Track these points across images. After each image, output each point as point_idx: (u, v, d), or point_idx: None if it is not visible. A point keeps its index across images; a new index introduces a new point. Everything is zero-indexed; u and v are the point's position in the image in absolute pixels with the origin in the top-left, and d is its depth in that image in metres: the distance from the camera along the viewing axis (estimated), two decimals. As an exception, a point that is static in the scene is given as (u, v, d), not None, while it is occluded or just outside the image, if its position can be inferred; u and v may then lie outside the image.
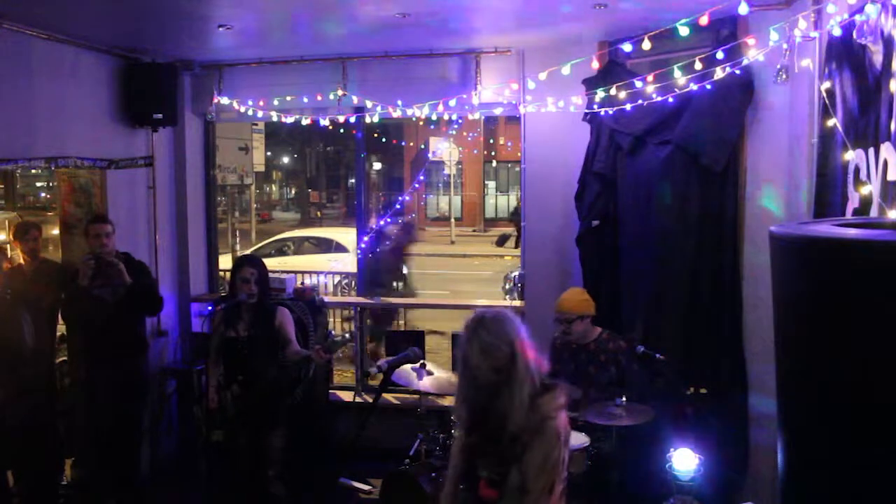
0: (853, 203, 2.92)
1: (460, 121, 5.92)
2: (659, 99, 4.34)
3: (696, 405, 4.01)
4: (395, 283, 8.52)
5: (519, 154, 5.70)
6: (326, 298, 6.26)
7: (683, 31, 3.59)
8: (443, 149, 24.96)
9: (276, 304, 4.58)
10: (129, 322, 4.84)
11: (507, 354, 2.33)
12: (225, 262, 8.18)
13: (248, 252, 13.65)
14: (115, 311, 4.61)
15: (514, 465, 2.34)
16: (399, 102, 5.54)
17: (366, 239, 6.32)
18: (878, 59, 2.72)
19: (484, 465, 2.44)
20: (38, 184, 24.43)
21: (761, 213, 4.37)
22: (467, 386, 2.43)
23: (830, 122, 3.17)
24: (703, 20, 3.44)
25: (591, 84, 4.85)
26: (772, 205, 4.40)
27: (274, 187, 40.29)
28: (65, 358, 5.08)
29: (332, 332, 6.34)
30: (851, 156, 2.94)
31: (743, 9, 3.30)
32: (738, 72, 3.94)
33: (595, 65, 4.47)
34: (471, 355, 2.36)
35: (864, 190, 2.75)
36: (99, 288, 4.57)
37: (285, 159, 37.57)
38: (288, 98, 5.80)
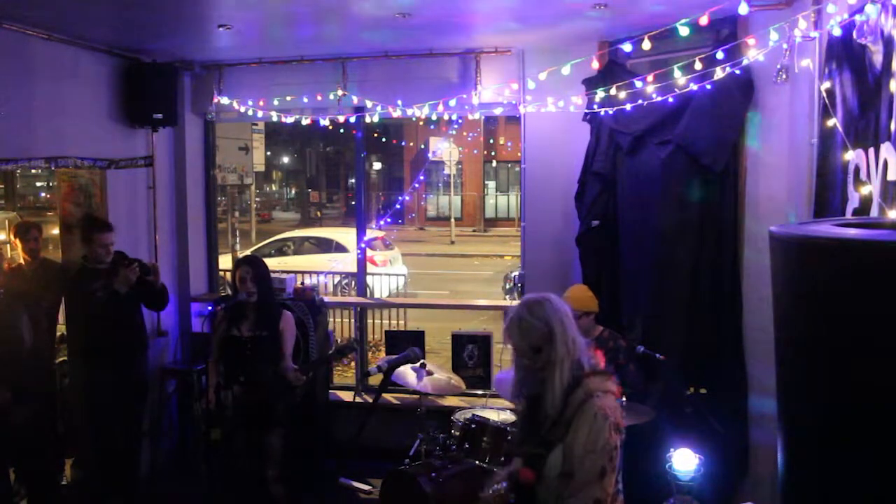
0: (853, 203, 2.92)
1: (460, 121, 5.92)
2: (659, 99, 4.34)
3: (696, 405, 4.01)
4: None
5: (519, 154, 5.69)
6: (326, 298, 6.27)
7: (683, 31, 3.58)
8: (443, 149, 24.98)
9: (282, 308, 4.58)
10: (130, 322, 4.84)
11: (545, 333, 2.35)
12: (225, 262, 8.20)
13: (248, 252, 13.66)
14: (115, 312, 4.62)
15: (558, 445, 2.30)
16: (399, 102, 5.54)
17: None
18: (878, 59, 2.72)
19: (523, 452, 2.44)
20: (38, 184, 24.45)
21: (761, 213, 4.37)
22: (520, 374, 2.46)
23: (830, 122, 3.17)
24: (703, 20, 3.44)
25: (591, 84, 4.85)
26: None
27: (274, 187, 40.30)
28: (65, 358, 5.08)
29: (333, 332, 6.34)
30: (851, 156, 2.93)
31: (743, 9, 3.30)
32: (738, 72, 3.93)
33: (595, 65, 4.47)
34: (512, 336, 2.41)
35: (864, 190, 2.75)
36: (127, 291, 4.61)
37: (285, 159, 37.59)
38: (288, 98, 5.80)
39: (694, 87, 4.11)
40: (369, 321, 7.69)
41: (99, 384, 4.65)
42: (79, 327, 4.76)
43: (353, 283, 9.52)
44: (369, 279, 6.97)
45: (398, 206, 7.71)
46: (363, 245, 6.38)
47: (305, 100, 5.73)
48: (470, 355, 5.79)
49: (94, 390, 4.67)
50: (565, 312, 2.41)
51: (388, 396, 5.94)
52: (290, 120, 6.02)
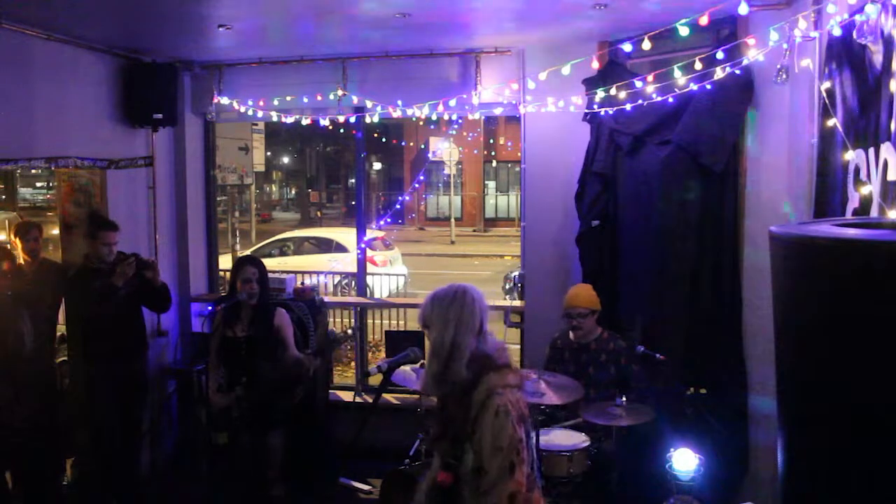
0: (853, 203, 2.92)
1: (460, 121, 5.92)
2: (659, 99, 4.34)
3: (696, 405, 4.01)
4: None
5: (519, 154, 5.70)
6: (326, 298, 6.26)
7: (683, 31, 3.58)
8: (443, 149, 24.97)
9: (275, 306, 4.59)
10: (130, 322, 4.85)
11: (427, 314, 2.52)
12: (225, 262, 8.19)
13: (248, 252, 13.66)
14: (115, 312, 4.62)
15: (467, 443, 2.34)
16: (399, 102, 5.54)
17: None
18: (878, 59, 2.72)
19: (439, 453, 2.48)
20: (38, 184, 24.46)
21: (762, 213, 4.37)
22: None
23: (830, 122, 3.17)
24: (703, 20, 3.44)
25: (591, 84, 4.85)
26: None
27: (274, 187, 40.29)
28: (65, 358, 5.08)
29: (333, 331, 6.34)
30: (851, 156, 2.93)
31: (743, 9, 3.30)
32: (738, 72, 3.93)
33: (595, 65, 4.47)
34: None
35: (864, 190, 2.75)
36: (125, 288, 4.62)
37: (285, 159, 37.58)
38: (288, 98, 5.80)
39: (694, 87, 4.11)
40: (369, 321, 7.70)
41: (99, 384, 4.65)
42: (79, 327, 4.77)
43: (353, 283, 9.51)
44: (369, 279, 6.97)
45: (398, 206, 7.70)
46: (363, 245, 6.38)
47: (305, 100, 5.73)
48: (470, 355, 5.77)
49: (94, 390, 4.67)
50: (459, 302, 2.47)
51: (388, 396, 5.94)
52: (290, 120, 6.01)
